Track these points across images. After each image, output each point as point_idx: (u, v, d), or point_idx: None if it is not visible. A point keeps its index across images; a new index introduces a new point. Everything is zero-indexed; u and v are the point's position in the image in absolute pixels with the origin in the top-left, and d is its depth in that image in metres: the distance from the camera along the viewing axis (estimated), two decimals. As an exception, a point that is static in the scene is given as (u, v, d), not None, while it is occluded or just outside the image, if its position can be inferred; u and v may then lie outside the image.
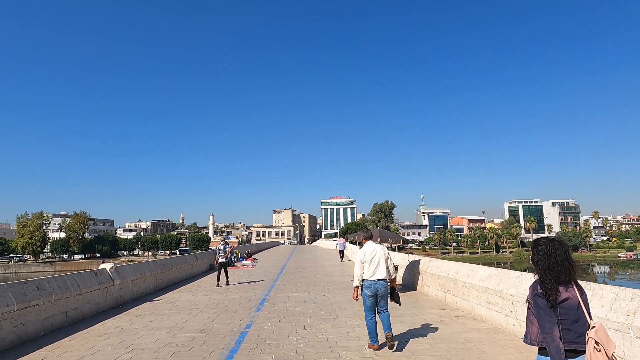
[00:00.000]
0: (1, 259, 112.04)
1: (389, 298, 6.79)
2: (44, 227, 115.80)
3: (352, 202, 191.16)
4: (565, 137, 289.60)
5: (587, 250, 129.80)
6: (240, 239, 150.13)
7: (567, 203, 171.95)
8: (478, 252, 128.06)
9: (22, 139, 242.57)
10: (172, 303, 11.60)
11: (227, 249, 15.75)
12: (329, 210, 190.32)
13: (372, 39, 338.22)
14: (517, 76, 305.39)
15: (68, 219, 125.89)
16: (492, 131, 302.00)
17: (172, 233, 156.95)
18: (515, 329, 7.21)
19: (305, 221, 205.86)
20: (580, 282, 3.29)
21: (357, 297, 6.80)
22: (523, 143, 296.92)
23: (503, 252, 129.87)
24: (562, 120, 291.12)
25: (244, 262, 28.64)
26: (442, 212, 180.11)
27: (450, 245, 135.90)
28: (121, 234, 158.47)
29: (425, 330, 7.79)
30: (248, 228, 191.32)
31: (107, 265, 11.43)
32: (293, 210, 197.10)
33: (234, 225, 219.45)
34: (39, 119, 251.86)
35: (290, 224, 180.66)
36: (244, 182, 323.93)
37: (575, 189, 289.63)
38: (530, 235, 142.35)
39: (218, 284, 15.08)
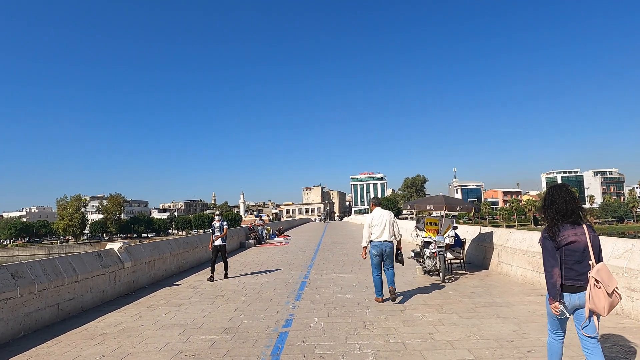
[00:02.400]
0: (46, 240, 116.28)
1: (394, 258, 7.54)
2: (82, 210, 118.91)
3: (382, 177, 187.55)
4: (604, 104, 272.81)
5: (633, 221, 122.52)
6: (270, 217, 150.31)
7: (610, 172, 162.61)
8: (515, 225, 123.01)
9: (60, 127, 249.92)
10: (194, 288, 9.64)
11: (224, 226, 11.03)
12: (358, 186, 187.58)
13: (397, 1, 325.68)
14: (550, 41, 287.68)
15: (104, 201, 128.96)
16: (526, 100, 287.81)
17: (204, 212, 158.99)
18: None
19: (335, 198, 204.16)
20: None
21: (365, 255, 7.55)
22: (559, 112, 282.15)
23: (540, 224, 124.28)
24: (600, 85, 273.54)
25: (276, 239, 26.82)
26: (476, 185, 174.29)
27: (486, 219, 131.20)
28: (156, 215, 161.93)
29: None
30: (278, 206, 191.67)
31: (116, 245, 9.52)
32: (322, 188, 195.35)
33: (264, 204, 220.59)
34: (73, 108, 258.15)
35: (319, 201, 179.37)
36: (273, 161, 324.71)
37: (618, 158, 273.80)
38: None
39: (212, 277, 10.60)
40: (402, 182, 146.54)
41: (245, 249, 20.24)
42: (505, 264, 9.68)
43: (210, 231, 11.33)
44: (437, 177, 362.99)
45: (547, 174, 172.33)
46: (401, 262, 7.87)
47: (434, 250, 9.53)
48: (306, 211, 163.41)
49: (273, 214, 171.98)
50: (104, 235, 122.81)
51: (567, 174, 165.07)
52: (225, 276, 11.08)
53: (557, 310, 3.36)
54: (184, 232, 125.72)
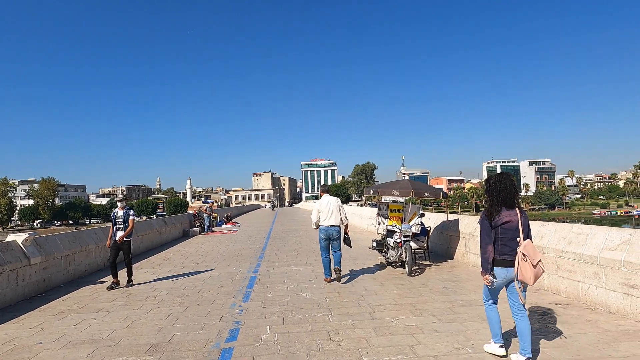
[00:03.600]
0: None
1: (342, 242, 7.96)
2: (10, 194, 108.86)
3: (332, 164, 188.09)
4: (540, 99, 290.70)
5: (563, 208, 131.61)
6: (219, 203, 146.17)
7: (543, 162, 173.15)
8: (458, 212, 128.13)
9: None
10: (121, 287, 8.10)
11: (129, 217, 8.13)
12: (309, 172, 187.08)
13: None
14: (496, 38, 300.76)
15: (36, 186, 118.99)
16: (470, 95, 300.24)
17: (148, 198, 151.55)
18: None
19: (286, 184, 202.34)
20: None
21: (317, 227, 7.91)
22: (499, 106, 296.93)
23: (481, 210, 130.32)
24: (538, 81, 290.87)
25: (224, 226, 25.18)
26: (422, 173, 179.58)
27: (431, 205, 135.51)
28: (94, 200, 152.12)
29: (546, 333, 4.57)
30: (227, 192, 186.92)
31: (19, 237, 7.73)
32: (273, 173, 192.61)
33: (212, 190, 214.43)
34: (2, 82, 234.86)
35: (270, 187, 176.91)
36: (222, 145, 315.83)
37: (550, 149, 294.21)
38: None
39: (114, 284, 7.99)
40: (352, 168, 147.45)
41: (189, 238, 18.55)
42: (472, 254, 8.98)
43: (112, 222, 8.26)
44: (386, 165, 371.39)
45: (488, 163, 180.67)
46: (349, 244, 8.20)
47: (399, 240, 8.63)
48: (256, 197, 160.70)
49: (222, 200, 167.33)
50: (36, 222, 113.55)
51: (506, 164, 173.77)
52: (129, 283, 8.22)
53: (488, 281, 3.86)
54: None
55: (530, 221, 4.22)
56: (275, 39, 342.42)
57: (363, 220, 21.02)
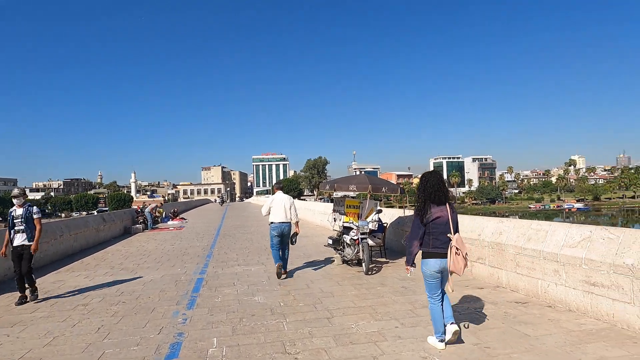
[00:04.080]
0: None
1: (289, 238, 8.03)
2: None
3: (284, 158, 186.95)
4: (483, 99, 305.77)
5: (502, 202, 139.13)
6: (166, 198, 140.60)
7: (485, 159, 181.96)
8: (406, 207, 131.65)
9: None
10: (47, 293, 7.12)
11: (33, 216, 6.68)
12: (260, 166, 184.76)
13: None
14: (440, 38, 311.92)
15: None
16: (418, 94, 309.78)
17: (88, 192, 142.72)
18: (670, 333, 4.03)
19: (236, 178, 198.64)
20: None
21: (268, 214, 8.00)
22: (445, 105, 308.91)
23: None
24: (481, 82, 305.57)
25: (170, 222, 23.90)
26: (373, 169, 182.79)
27: (381, 200, 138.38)
28: (28, 195, 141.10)
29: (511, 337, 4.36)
30: (175, 186, 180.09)
31: None
32: (223, 167, 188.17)
33: (159, 184, 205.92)
34: None
35: (220, 181, 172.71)
36: (170, 138, 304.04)
37: (492, 146, 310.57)
38: (454, 189, 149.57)
39: (22, 299, 6.53)
40: (304, 163, 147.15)
41: (131, 236, 17.29)
42: (429, 250, 8.84)
43: (8, 224, 6.72)
44: (337, 159, 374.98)
45: (435, 159, 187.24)
46: (294, 242, 8.25)
47: (355, 237, 8.29)
48: (205, 192, 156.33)
49: (169, 194, 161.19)
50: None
51: (451, 159, 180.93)
52: (33, 296, 6.71)
53: (408, 271, 4.17)
54: (63, 215, 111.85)
55: (483, 217, 4.68)
56: (227, 29, 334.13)
57: (316, 215, 20.67)
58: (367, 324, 5.02)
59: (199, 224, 22.78)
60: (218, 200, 59.15)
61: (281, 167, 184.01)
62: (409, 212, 10.20)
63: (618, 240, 4.73)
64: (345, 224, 8.90)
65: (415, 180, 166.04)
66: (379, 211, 9.00)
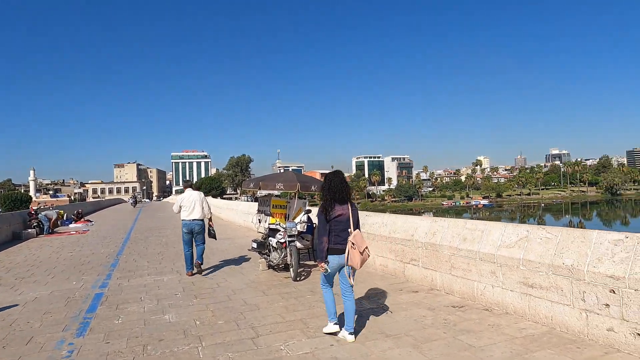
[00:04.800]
0: None
1: (206, 235, 8.17)
2: None
3: (206, 155, 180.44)
4: (402, 101, 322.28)
5: (419, 199, 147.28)
6: (72, 197, 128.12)
7: (403, 158, 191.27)
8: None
9: None
10: None
11: None
12: (180, 164, 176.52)
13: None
14: (359, 44, 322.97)
15: None
16: (340, 94, 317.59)
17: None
18: (604, 336, 3.90)
19: (154, 176, 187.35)
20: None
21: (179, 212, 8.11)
22: (366, 106, 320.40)
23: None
24: (397, 83, 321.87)
25: (72, 225, 21.27)
26: (297, 167, 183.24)
27: (305, 198, 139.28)
28: None
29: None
30: (83, 185, 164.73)
31: None
32: (138, 165, 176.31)
33: (64, 182, 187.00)
34: None
35: (135, 179, 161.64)
36: (78, 132, 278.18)
37: (409, 146, 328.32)
38: (375, 187, 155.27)
39: None
40: (227, 161, 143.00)
41: (21, 242, 14.91)
42: (360, 251, 8.43)
43: None
44: (262, 158, 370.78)
45: (357, 158, 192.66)
46: (214, 237, 8.29)
47: (282, 240, 7.60)
48: (119, 191, 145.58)
49: (76, 193, 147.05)
50: None
51: (372, 159, 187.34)
52: None
53: (323, 269, 4.30)
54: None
55: (417, 216, 4.96)
56: (139, 17, 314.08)
57: (239, 215, 19.62)
58: (298, 343, 4.35)
59: (107, 227, 20.53)
60: (130, 200, 51.94)
61: (202, 164, 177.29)
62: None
63: (556, 240, 4.58)
64: (272, 226, 8.19)
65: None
66: (308, 211, 8.39)
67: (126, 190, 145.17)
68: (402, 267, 7.07)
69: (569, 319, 4.31)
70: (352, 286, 4.39)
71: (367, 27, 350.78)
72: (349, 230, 4.27)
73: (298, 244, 7.91)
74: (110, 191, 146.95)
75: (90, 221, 23.62)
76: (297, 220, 8.06)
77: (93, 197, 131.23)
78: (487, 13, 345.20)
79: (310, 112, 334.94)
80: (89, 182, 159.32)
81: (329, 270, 4.29)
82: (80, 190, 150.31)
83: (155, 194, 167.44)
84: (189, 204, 7.81)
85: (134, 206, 46.60)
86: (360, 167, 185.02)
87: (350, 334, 4.31)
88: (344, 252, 4.20)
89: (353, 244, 4.18)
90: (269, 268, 8.18)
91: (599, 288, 4.01)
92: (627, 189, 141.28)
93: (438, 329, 4.60)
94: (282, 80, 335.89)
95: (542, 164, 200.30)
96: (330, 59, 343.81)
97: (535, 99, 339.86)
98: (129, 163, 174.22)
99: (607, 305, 3.94)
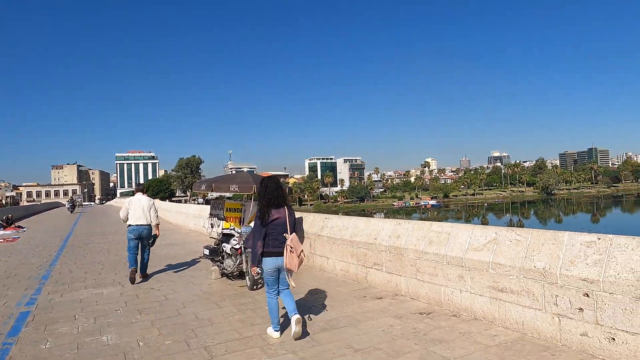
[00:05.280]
0: None
1: (150, 241, 7.94)
2: None
3: (153, 156, 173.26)
4: (353, 105, 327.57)
5: (371, 200, 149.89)
6: (3, 202, 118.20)
7: (355, 160, 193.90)
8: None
9: None
10: None
11: None
12: (125, 165, 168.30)
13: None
14: (311, 47, 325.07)
15: None
16: (292, 91, 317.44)
17: None
18: (575, 340, 3.79)
19: (96, 178, 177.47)
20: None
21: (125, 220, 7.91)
22: (319, 109, 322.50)
23: (304, 204, 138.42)
24: (350, 87, 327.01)
25: (0, 233, 19.29)
26: (250, 168, 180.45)
27: (255, 200, 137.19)
28: None
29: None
30: (16, 187, 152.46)
31: None
32: (79, 166, 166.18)
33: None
34: None
35: (75, 181, 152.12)
36: (9, 130, 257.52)
37: (361, 148, 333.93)
38: (328, 188, 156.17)
39: None
40: (176, 162, 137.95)
41: None
42: (319, 256, 8.07)
43: None
44: (212, 159, 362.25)
45: (310, 159, 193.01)
46: (152, 244, 8.05)
47: (237, 246, 7.07)
48: (57, 194, 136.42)
49: (8, 197, 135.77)
50: None
51: (325, 160, 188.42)
52: None
53: (255, 272, 4.41)
54: None
55: (379, 219, 5.25)
56: (79, 16, 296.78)
57: (189, 219, 18.66)
58: (257, 363, 3.89)
59: (41, 234, 18.81)
60: (68, 205, 45.75)
61: (150, 166, 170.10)
62: (299, 214, 9.30)
63: (526, 242, 4.44)
64: (225, 231, 7.62)
65: (292, 180, 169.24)
66: (265, 215, 7.89)
67: (65, 193, 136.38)
68: (364, 271, 6.77)
69: (541, 324, 4.17)
70: (289, 286, 4.55)
71: (318, 30, 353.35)
72: (286, 234, 4.42)
73: (254, 250, 7.39)
74: (48, 194, 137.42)
75: (22, 227, 21.58)
76: (253, 224, 7.54)
77: (28, 201, 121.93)
78: (436, 20, 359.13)
79: (263, 113, 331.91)
80: (23, 184, 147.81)
81: (260, 274, 4.43)
82: (13, 194, 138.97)
83: (97, 196, 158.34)
84: (137, 208, 7.66)
85: (72, 211, 40.68)
86: (313, 168, 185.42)
87: (295, 314, 4.37)
88: (282, 255, 4.35)
89: (291, 247, 4.32)
90: (222, 276, 7.61)
91: (572, 292, 3.89)
92: (560, 189, 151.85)
93: (409, 340, 4.31)
94: (234, 81, 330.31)
95: (485, 166, 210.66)
96: (281, 60, 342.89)
97: (477, 103, 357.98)
98: (68, 164, 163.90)
99: (581, 309, 3.82)
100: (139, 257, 7.72)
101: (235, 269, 7.20)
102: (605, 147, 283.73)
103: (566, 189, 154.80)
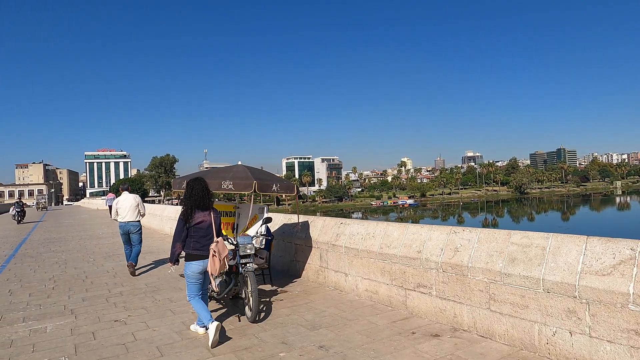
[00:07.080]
0: None
1: (139, 236, 8.38)
2: None
3: (125, 155, 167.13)
4: (329, 105, 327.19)
5: (349, 200, 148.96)
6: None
7: (333, 160, 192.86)
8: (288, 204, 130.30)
9: None
10: None
11: None
12: (95, 164, 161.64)
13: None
14: (289, 47, 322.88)
15: None
16: (270, 93, 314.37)
17: None
18: None
19: (64, 178, 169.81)
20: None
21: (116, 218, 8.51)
22: (296, 104, 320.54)
23: (282, 204, 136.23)
24: (327, 87, 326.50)
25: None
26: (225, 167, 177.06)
27: (235, 200, 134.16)
28: None
29: None
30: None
31: None
32: (46, 165, 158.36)
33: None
34: None
35: (42, 181, 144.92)
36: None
37: (338, 148, 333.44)
38: (306, 188, 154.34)
39: None
40: (149, 161, 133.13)
41: None
42: (334, 271, 6.39)
43: None
44: (187, 158, 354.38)
45: (287, 159, 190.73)
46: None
47: (232, 263, 5.32)
48: (21, 194, 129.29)
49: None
50: None
51: (302, 160, 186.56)
52: None
53: (169, 270, 4.93)
54: None
55: (424, 225, 4.93)
56: (47, 11, 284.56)
57: (164, 222, 16.62)
58: None
59: (-10, 240, 16.36)
60: (34, 204, 41.11)
61: (121, 165, 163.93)
62: (303, 218, 7.56)
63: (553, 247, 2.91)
64: (215, 241, 5.85)
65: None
66: (268, 220, 6.10)
67: (30, 194, 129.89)
68: (402, 294, 5.14)
69: None
70: (208, 289, 4.76)
71: (294, 29, 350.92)
72: (211, 236, 4.40)
73: (253, 265, 5.65)
74: (11, 194, 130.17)
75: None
76: (252, 232, 5.81)
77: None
78: (412, 21, 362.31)
79: (239, 112, 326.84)
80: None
81: (172, 272, 4.48)
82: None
83: (65, 197, 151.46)
84: (125, 206, 8.21)
85: (19, 221, 24.98)
86: (290, 168, 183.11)
87: (202, 326, 4.45)
88: (206, 258, 4.32)
89: (214, 252, 4.25)
90: (210, 300, 5.83)
91: None
92: (532, 188, 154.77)
93: None
94: (209, 80, 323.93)
95: (459, 166, 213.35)
96: (257, 60, 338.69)
97: (450, 104, 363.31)
98: (34, 163, 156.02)
99: None
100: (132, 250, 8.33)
101: (230, 293, 5.44)
102: (573, 147, 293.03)
103: (538, 188, 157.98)
